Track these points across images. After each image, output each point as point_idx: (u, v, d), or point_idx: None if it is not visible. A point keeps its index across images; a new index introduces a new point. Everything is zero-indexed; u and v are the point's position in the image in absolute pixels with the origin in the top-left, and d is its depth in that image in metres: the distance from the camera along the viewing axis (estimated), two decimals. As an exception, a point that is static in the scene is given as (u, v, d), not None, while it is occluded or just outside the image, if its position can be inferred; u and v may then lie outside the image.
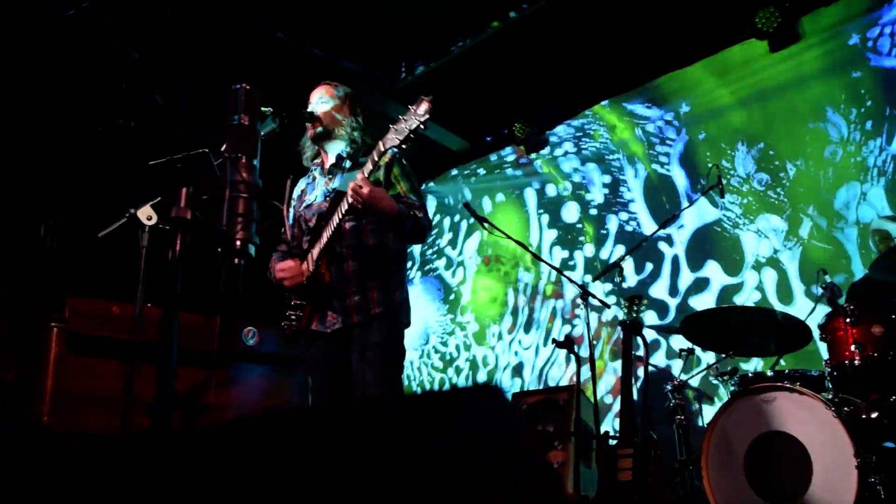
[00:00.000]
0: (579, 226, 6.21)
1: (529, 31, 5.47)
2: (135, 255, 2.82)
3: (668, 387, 4.21)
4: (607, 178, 6.09)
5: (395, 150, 2.83)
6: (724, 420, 3.59)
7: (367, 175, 2.80)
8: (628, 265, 5.61)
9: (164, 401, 1.76)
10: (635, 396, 3.98)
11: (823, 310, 3.80)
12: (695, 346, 4.35)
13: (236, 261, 1.93)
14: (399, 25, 5.59)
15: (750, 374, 3.82)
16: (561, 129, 6.43)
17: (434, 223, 7.53)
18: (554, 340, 4.17)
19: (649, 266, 5.73)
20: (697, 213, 5.49)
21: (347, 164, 3.16)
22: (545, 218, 6.49)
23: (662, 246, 5.69)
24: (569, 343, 4.09)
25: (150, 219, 2.65)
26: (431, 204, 7.58)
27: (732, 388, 3.86)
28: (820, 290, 3.79)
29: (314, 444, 1.22)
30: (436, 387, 6.93)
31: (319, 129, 3.19)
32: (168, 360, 1.77)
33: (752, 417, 3.50)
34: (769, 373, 3.75)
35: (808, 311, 3.94)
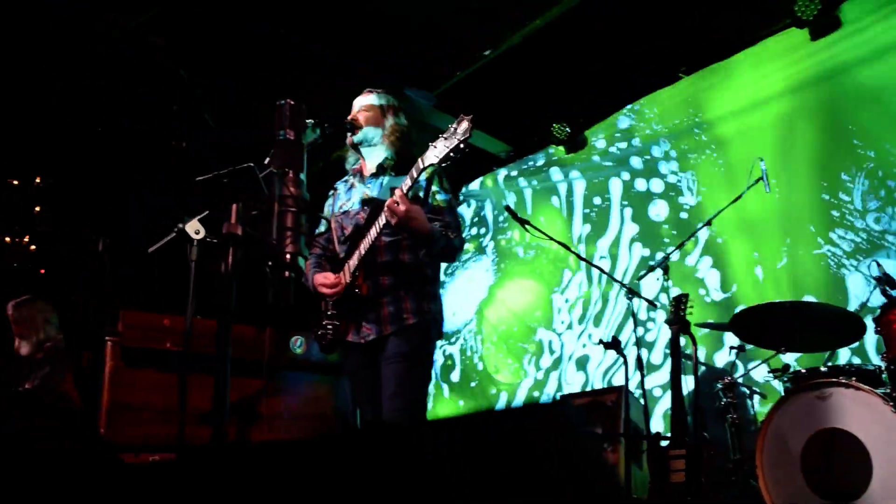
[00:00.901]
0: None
1: (566, 30, 5.44)
2: (183, 269, 2.88)
3: (719, 385, 4.15)
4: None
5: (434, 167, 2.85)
6: (779, 418, 3.53)
7: (405, 192, 2.82)
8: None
9: (220, 411, 1.79)
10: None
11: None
12: (745, 343, 4.28)
13: (287, 274, 1.96)
14: (432, 31, 5.59)
15: (803, 370, 3.74)
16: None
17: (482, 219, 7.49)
18: (601, 341, 4.14)
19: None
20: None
21: (387, 176, 3.17)
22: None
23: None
24: (615, 344, 4.06)
25: (197, 233, 2.70)
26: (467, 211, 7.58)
27: (786, 385, 3.79)
28: (873, 282, 3.70)
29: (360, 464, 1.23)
30: (494, 363, 6.86)
31: (359, 136, 3.21)
32: (223, 371, 1.80)
33: (808, 414, 3.43)
34: (823, 368, 3.68)
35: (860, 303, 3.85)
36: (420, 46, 5.67)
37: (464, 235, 3.19)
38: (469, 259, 7.46)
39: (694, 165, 5.82)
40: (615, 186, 6.36)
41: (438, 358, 7.25)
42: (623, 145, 6.34)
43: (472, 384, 7.02)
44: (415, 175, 2.83)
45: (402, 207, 2.77)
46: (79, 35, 5.03)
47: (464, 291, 7.39)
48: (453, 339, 7.31)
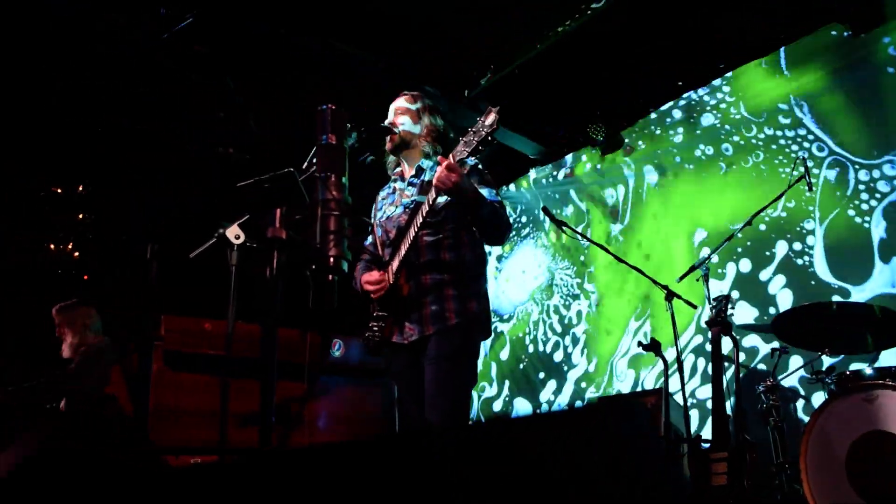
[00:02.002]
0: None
1: (600, 30, 5.41)
2: (223, 274, 2.92)
3: (761, 387, 4.09)
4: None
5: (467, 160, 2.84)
6: (823, 421, 3.47)
7: (453, 161, 2.81)
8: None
9: (266, 414, 1.81)
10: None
11: None
12: (788, 345, 4.21)
13: (330, 277, 1.98)
14: (467, 33, 5.60)
15: (848, 373, 3.67)
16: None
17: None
18: (639, 343, 4.11)
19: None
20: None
21: (427, 176, 3.18)
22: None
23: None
24: (655, 345, 4.03)
25: (237, 237, 2.74)
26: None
27: (830, 388, 3.72)
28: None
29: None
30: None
31: (397, 140, 3.23)
32: (269, 374, 1.82)
33: (853, 417, 3.37)
34: (868, 370, 3.60)
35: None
36: (426, 47, 5.65)
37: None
38: (527, 236, 7.41)
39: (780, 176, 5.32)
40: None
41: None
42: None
43: (521, 365, 6.99)
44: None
45: (454, 175, 2.77)
46: (117, 39, 5.10)
47: (520, 272, 7.35)
48: (505, 317, 7.27)
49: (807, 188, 4.21)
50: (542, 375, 6.74)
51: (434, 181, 2.81)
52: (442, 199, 2.95)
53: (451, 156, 2.80)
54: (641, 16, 5.28)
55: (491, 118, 2.71)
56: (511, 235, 7.21)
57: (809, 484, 3.41)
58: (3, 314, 5.65)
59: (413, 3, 5.16)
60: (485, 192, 3.05)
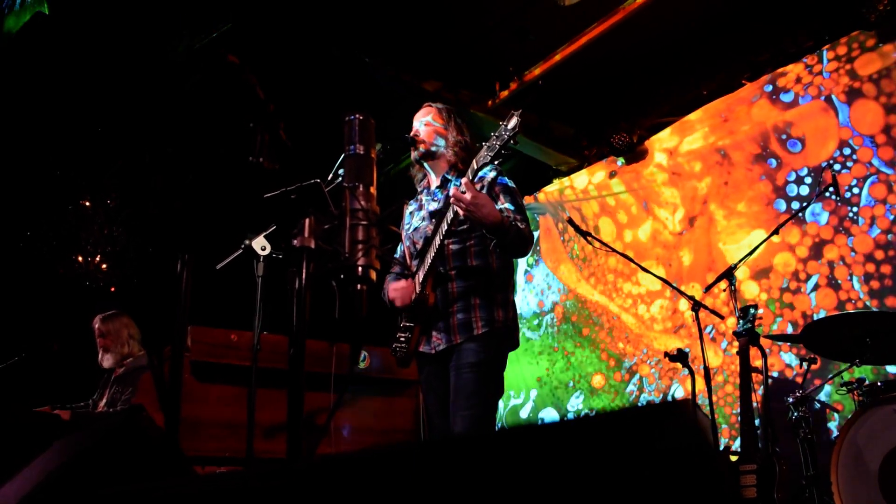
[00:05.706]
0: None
1: (621, 40, 5.41)
2: (249, 285, 2.93)
3: (790, 399, 4.03)
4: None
5: (490, 166, 2.84)
6: (854, 432, 3.42)
7: (470, 179, 2.81)
8: None
9: (294, 426, 1.82)
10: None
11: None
12: (817, 355, 4.15)
13: (359, 286, 1.99)
14: (489, 44, 5.62)
15: (879, 383, 3.62)
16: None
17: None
18: (666, 353, 4.08)
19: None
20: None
21: (452, 185, 3.18)
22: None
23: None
24: (682, 356, 3.99)
25: (264, 249, 2.77)
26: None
27: (861, 399, 3.67)
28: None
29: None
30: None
31: (422, 150, 3.24)
32: (297, 385, 1.83)
33: (885, 429, 3.32)
34: (900, 381, 3.55)
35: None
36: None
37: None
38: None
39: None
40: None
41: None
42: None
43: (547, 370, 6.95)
44: (470, 176, 2.83)
45: (468, 195, 2.75)
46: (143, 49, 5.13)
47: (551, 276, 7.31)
48: (536, 323, 7.19)
49: (837, 197, 4.17)
50: (570, 384, 6.67)
51: (451, 200, 2.82)
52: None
53: (462, 183, 2.79)
54: (665, 22, 5.27)
55: (513, 121, 2.72)
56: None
57: (841, 497, 3.36)
58: (31, 327, 5.73)
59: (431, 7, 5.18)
60: (507, 200, 3.04)
